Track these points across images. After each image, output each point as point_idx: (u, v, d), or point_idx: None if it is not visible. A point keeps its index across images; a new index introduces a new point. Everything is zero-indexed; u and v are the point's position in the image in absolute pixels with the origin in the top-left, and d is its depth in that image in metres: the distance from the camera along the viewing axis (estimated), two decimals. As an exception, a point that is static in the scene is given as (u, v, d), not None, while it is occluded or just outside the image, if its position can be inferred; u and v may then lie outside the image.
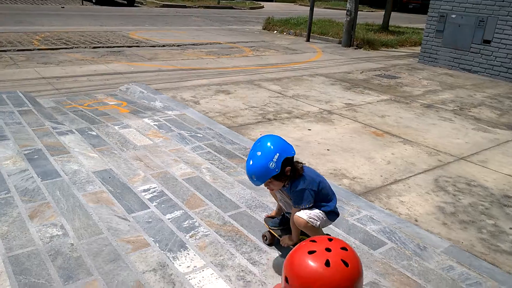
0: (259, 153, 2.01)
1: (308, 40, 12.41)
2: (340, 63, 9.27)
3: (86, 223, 2.49)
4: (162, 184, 3.04)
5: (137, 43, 9.91)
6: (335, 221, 2.28)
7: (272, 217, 2.49)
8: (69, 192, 2.82)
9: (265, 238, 2.46)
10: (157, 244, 2.35)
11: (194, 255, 2.28)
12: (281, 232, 2.38)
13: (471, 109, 6.08)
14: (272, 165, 1.99)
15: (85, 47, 8.79)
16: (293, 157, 2.08)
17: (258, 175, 2.03)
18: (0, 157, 3.26)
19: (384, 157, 4.10)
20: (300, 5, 30.87)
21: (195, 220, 2.61)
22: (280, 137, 2.09)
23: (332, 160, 3.97)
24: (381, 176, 3.68)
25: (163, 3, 21.22)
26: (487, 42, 8.46)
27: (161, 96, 5.38)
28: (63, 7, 16.69)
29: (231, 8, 23.23)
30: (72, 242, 2.31)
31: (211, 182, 3.12)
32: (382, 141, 4.56)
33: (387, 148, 4.36)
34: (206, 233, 2.48)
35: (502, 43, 8.23)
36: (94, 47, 8.84)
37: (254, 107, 5.56)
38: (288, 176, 2.08)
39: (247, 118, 5.09)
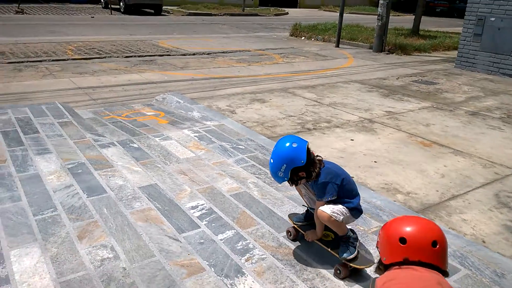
0: (271, 161, 2.16)
1: (337, 46, 12.19)
2: (374, 69, 9.02)
3: (136, 244, 2.38)
4: (209, 201, 2.91)
5: (167, 51, 9.92)
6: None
7: (296, 214, 2.59)
8: (117, 209, 2.73)
9: (289, 233, 2.53)
10: (212, 268, 2.21)
11: (253, 281, 2.13)
12: (306, 228, 2.44)
13: (520, 116, 5.75)
14: (280, 174, 2.14)
15: (118, 57, 8.85)
16: (302, 165, 2.11)
17: (273, 178, 2.21)
18: (44, 171, 3.20)
19: (436, 169, 3.87)
20: (324, 10, 30.61)
21: (248, 241, 2.46)
22: (294, 142, 2.14)
23: (381, 173, 3.76)
24: (437, 191, 3.45)
25: (189, 11, 21.38)
26: (530, 45, 8.06)
27: (198, 106, 5.29)
28: (93, 17, 17.00)
29: (256, 15, 23.20)
30: (124, 266, 2.19)
31: (260, 199, 2.97)
32: (431, 151, 4.32)
33: (438, 159, 4.12)
34: (262, 257, 2.33)
35: (547, 46, 7.82)
36: (126, 57, 8.89)
37: (291, 116, 5.40)
38: (307, 174, 2.15)
39: (286, 127, 4.93)
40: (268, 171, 3.38)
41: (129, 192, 2.97)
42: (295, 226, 2.48)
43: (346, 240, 2.22)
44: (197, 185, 3.13)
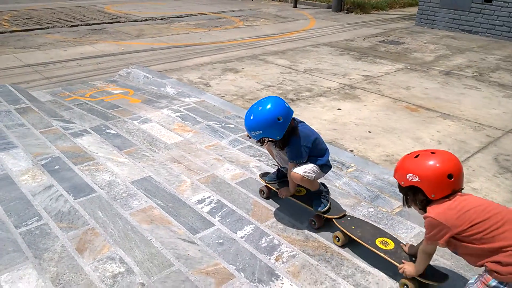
0: (251, 117, 2.17)
1: (295, 6, 11.83)
2: (338, 30, 8.83)
3: (148, 252, 2.08)
4: (215, 192, 2.63)
5: (116, 18, 9.10)
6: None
7: (267, 173, 2.65)
8: (113, 211, 2.38)
9: (262, 192, 2.61)
10: (242, 273, 1.97)
11: (290, 284, 1.92)
12: (278, 186, 2.54)
13: (490, 74, 5.84)
14: (253, 134, 2.21)
15: (62, 26, 7.97)
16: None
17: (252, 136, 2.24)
18: (14, 171, 2.74)
19: (431, 136, 3.80)
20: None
21: (272, 236, 2.24)
22: (280, 117, 2.15)
23: (379, 144, 3.64)
24: (439, 159, 3.38)
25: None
26: (488, 1, 8.18)
27: (169, 81, 4.85)
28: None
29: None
30: (141, 281, 1.90)
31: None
32: (420, 117, 4.25)
33: (429, 125, 4.06)
34: (291, 254, 2.12)
35: (504, 1, 7.97)
36: (72, 26, 8.03)
37: (270, 86, 5.12)
38: (282, 144, 2.26)
39: (268, 99, 4.65)
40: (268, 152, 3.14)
41: (121, 189, 2.61)
42: (268, 185, 2.58)
43: (319, 194, 2.36)
44: (196, 174, 2.83)
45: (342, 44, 7.51)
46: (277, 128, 2.16)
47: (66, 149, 3.07)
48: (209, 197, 2.57)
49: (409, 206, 1.79)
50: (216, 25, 8.94)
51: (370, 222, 2.33)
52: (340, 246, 2.19)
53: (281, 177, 2.53)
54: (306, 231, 2.30)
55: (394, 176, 1.79)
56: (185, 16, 9.74)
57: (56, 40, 6.92)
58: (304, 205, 2.39)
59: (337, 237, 2.21)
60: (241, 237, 2.22)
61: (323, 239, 2.24)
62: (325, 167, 2.36)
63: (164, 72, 5.35)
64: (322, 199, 2.34)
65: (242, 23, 9.25)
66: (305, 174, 2.24)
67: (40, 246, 2.07)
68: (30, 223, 2.24)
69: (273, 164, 2.49)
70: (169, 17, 9.52)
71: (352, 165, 3.05)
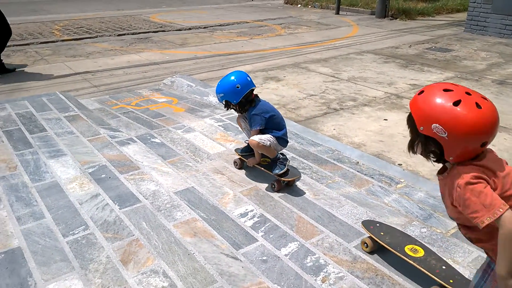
0: (218, 84, 2.79)
1: (337, 13, 11.66)
2: (382, 37, 8.60)
3: (192, 266, 2.05)
4: (258, 205, 2.57)
5: (161, 27, 9.33)
6: None
7: (240, 147, 3.12)
8: (157, 222, 2.38)
9: (236, 164, 3.04)
10: (287, 293, 1.90)
11: (339, 308, 1.83)
12: (248, 157, 2.95)
13: (550, 83, 5.46)
14: (218, 97, 2.80)
15: (110, 35, 8.25)
16: (238, 102, 2.74)
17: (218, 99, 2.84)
18: (63, 179, 2.81)
19: (486, 150, 3.57)
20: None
21: (317, 255, 2.15)
22: (238, 84, 2.70)
23: (429, 158, 3.45)
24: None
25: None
26: (546, 5, 7.70)
27: (212, 89, 4.86)
28: (74, -8, 15.99)
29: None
30: (184, 297, 1.87)
31: (313, 199, 2.64)
32: (473, 129, 4.01)
33: (484, 138, 3.82)
34: (339, 275, 2.02)
35: None
36: (119, 35, 8.30)
37: (312, 95, 5.03)
38: (239, 108, 2.80)
39: (311, 109, 4.57)
40: (312, 165, 3.06)
41: (165, 199, 2.61)
42: (241, 157, 3.01)
43: (277, 161, 2.75)
44: (239, 186, 2.78)
45: (387, 52, 7.29)
46: (235, 93, 2.70)
47: (113, 157, 3.13)
48: (252, 210, 2.52)
49: (414, 152, 1.44)
50: (258, 33, 8.96)
51: (399, 229, 2.24)
52: (368, 253, 2.15)
53: (251, 149, 2.88)
54: (354, 250, 2.19)
55: (411, 109, 1.39)
56: (227, 25, 9.83)
57: (104, 49, 7.16)
58: (267, 171, 2.81)
59: (366, 243, 2.18)
60: (285, 255, 2.14)
61: (373, 260, 2.12)
62: (281, 140, 2.81)
63: (207, 81, 5.39)
64: (279, 164, 2.73)
65: (283, 31, 9.22)
66: (260, 140, 2.69)
67: (86, 256, 2.09)
68: (77, 232, 2.27)
69: (245, 141, 2.97)
70: (212, 26, 9.64)
71: (402, 180, 2.91)
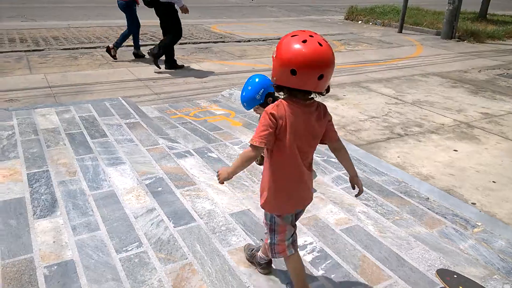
0: (249, 88, 2.82)
1: (400, 31, 11.26)
2: (449, 59, 8.15)
3: (246, 301, 1.90)
4: (318, 237, 2.39)
5: (221, 38, 9.41)
6: None
7: None
8: (212, 246, 2.26)
9: (256, 160, 2.80)
10: None
11: None
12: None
13: None
14: (258, 97, 2.78)
15: (172, 43, 8.40)
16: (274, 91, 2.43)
17: (248, 104, 2.88)
18: (120, 189, 2.78)
19: None
20: (374, -10, 29.08)
21: (385, 303, 1.93)
22: (262, 76, 2.83)
23: (507, 198, 3.12)
24: None
25: (234, -8, 20.69)
26: None
27: (270, 105, 4.75)
28: (140, -1, 16.67)
29: (303, -5, 22.20)
30: (238, 336, 1.72)
31: (379, 237, 2.42)
32: (557, 170, 3.61)
33: None
34: (410, 330, 1.79)
35: None
36: (181, 43, 8.42)
37: (374, 117, 4.78)
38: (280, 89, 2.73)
39: (372, 132, 4.33)
40: (377, 196, 2.84)
41: (220, 221, 2.50)
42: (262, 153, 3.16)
43: None
44: (297, 213, 2.62)
45: (454, 75, 6.88)
46: (268, 80, 2.74)
47: (170, 170, 3.08)
48: (311, 243, 2.34)
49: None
50: (316, 48, 8.78)
51: (479, 282, 1.97)
52: None
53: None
54: (425, 303, 1.96)
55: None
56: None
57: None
58: None
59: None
60: (349, 299, 1.95)
61: (448, 317, 1.88)
62: None
63: (264, 95, 5.29)
64: None
65: (343, 47, 9.00)
66: None
67: (138, 278, 2.01)
68: (130, 248, 2.21)
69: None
70: (271, 39, 9.60)
71: (479, 224, 2.62)
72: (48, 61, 6.56)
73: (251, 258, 2.10)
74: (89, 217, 2.46)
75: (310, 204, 2.71)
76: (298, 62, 1.47)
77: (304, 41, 1.48)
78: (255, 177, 3.07)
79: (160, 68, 6.18)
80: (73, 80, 5.62)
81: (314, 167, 3.26)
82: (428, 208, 2.77)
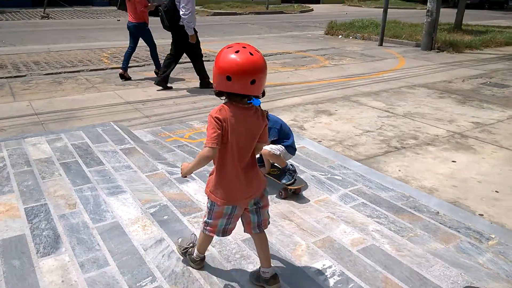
0: None
1: (381, 45, 11.49)
2: (432, 70, 8.32)
3: (273, 334, 1.82)
4: (336, 260, 2.33)
5: (205, 56, 9.34)
6: None
7: None
8: (229, 277, 2.18)
9: None
10: None
11: None
12: (260, 167, 2.76)
13: None
14: None
15: (157, 64, 8.33)
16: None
17: None
18: (124, 219, 2.67)
19: None
20: (349, 5, 29.80)
21: (415, 326, 1.88)
22: None
23: (513, 209, 3.13)
24: None
25: (213, 11, 20.85)
26: None
27: (265, 123, 4.71)
28: (119, 20, 16.59)
29: (281, 12, 22.58)
30: None
31: (397, 256, 2.38)
32: (555, 176, 3.66)
33: None
34: None
35: None
36: (166, 64, 8.36)
37: (369, 131, 4.79)
38: None
39: (370, 147, 4.33)
40: (387, 213, 2.81)
41: (233, 248, 2.41)
42: None
43: (286, 171, 3.02)
44: (310, 236, 2.56)
45: (440, 86, 7.01)
46: None
47: (173, 196, 2.98)
48: (330, 266, 2.28)
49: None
50: (302, 64, 8.87)
51: None
52: None
53: (260, 160, 3.12)
54: (456, 324, 1.91)
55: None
56: (270, 55, 9.80)
57: (152, 77, 7.20)
58: (275, 180, 3.06)
59: None
60: (378, 325, 1.89)
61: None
62: (290, 148, 3.08)
63: (257, 113, 5.26)
64: (287, 175, 3.00)
65: (328, 62, 9.10)
66: (272, 149, 2.97)
67: (157, 315, 1.90)
68: (144, 284, 2.10)
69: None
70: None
71: (492, 236, 2.61)
72: (32, 87, 6.39)
73: (184, 254, 2.27)
74: (96, 252, 2.34)
75: (322, 226, 2.69)
76: (232, 70, 1.72)
77: (237, 52, 1.73)
78: (262, 199, 3.00)
79: (212, 87, 6.13)
80: (60, 106, 5.47)
81: (316, 185, 3.23)
82: (440, 223, 2.74)
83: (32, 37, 11.49)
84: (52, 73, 7.31)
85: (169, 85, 6.51)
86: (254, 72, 1.73)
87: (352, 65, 8.78)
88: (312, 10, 24.66)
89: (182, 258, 2.30)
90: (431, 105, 5.84)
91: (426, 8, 10.46)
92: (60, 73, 7.38)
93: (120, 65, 7.03)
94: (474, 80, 7.44)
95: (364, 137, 4.61)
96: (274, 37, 13.20)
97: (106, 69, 7.82)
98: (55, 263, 2.23)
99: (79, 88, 6.45)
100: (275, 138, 2.99)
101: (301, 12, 23.37)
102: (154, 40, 7.11)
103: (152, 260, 2.29)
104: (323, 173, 3.44)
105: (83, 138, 4.02)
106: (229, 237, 2.50)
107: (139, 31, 6.87)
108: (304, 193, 3.12)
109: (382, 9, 11.38)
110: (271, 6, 23.77)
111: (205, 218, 2.06)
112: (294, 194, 3.03)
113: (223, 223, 2.04)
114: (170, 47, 6.46)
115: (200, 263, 2.22)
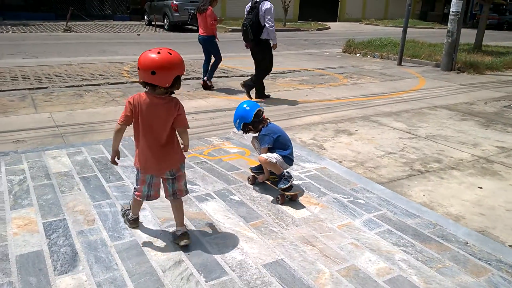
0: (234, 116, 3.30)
1: (399, 64, 11.40)
2: (453, 91, 8.19)
3: None
4: (362, 290, 2.23)
5: (224, 72, 9.44)
6: None
7: (254, 165, 3.62)
8: (250, 304, 2.09)
9: (249, 180, 3.52)
10: None
11: None
12: (260, 174, 3.42)
13: None
14: (236, 125, 3.30)
15: (176, 79, 8.39)
16: (251, 120, 3.21)
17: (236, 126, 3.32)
18: (143, 238, 2.62)
19: None
20: (366, 24, 29.85)
21: None
22: (247, 106, 3.24)
23: (546, 240, 2.98)
24: None
25: (231, 27, 21.08)
26: None
27: (285, 142, 4.65)
28: (139, 35, 16.89)
29: (299, 30, 22.71)
30: None
31: (426, 288, 2.27)
32: None
33: None
34: None
35: None
36: (185, 79, 8.42)
37: (390, 153, 4.69)
38: (254, 128, 3.26)
39: (392, 169, 4.22)
40: (414, 242, 2.70)
41: (254, 274, 2.33)
42: (254, 173, 3.49)
43: (282, 177, 3.18)
44: (334, 263, 2.46)
45: (462, 108, 6.87)
46: (247, 113, 3.20)
47: (193, 215, 2.93)
48: (356, 297, 2.18)
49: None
50: (320, 82, 8.83)
51: None
52: None
53: (261, 168, 3.37)
54: None
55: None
56: (288, 72, 9.81)
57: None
58: (273, 186, 3.27)
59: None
60: None
61: None
62: (287, 159, 3.26)
63: (275, 131, 5.21)
64: (283, 180, 3.16)
65: (346, 81, 9.04)
66: (268, 157, 3.16)
67: None
68: (163, 308, 2.03)
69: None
70: (273, 73, 9.59)
71: (526, 270, 2.47)
72: (53, 99, 6.48)
73: (124, 216, 2.78)
74: (114, 271, 2.29)
75: (346, 253, 2.59)
76: (156, 66, 2.18)
77: (159, 53, 2.22)
78: (283, 222, 2.92)
79: (251, 98, 6.83)
80: (80, 118, 5.51)
81: (339, 208, 3.14)
82: (470, 254, 2.62)
83: (55, 50, 11.73)
84: (73, 86, 7.41)
85: (266, 93, 7.13)
86: (175, 67, 2.24)
87: (371, 84, 8.70)
88: (329, 28, 24.75)
89: (201, 282, 2.23)
90: (454, 128, 5.71)
91: (443, 28, 10.40)
92: (81, 85, 7.47)
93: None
94: (497, 103, 7.29)
95: (386, 159, 4.50)
96: (291, 54, 13.23)
97: (126, 83, 7.89)
98: (72, 282, 2.18)
99: (99, 101, 6.51)
100: (270, 146, 3.22)
101: (318, 29, 23.47)
102: (221, 53, 7.66)
103: (171, 282, 2.22)
104: (346, 196, 3.35)
105: (103, 152, 4.02)
106: (249, 261, 2.44)
107: (207, 43, 7.46)
108: (326, 216, 3.03)
109: (399, 28, 11.32)
110: (288, 23, 23.96)
111: (134, 185, 2.57)
112: (291, 200, 3.20)
113: (146, 189, 2.52)
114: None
115: (134, 223, 2.71)
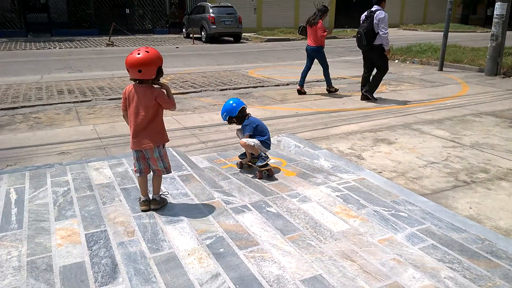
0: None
1: (441, 70, 11.02)
2: (499, 97, 7.81)
3: None
4: (405, 309, 2.13)
5: (260, 82, 9.47)
6: None
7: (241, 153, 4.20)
8: (288, 321, 2.04)
9: (238, 165, 4.14)
10: None
11: None
12: (243, 158, 4.09)
13: None
14: (223, 117, 3.94)
15: (213, 90, 8.52)
16: (236, 115, 3.88)
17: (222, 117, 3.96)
18: (181, 250, 2.64)
19: None
20: (404, 29, 29.20)
21: None
22: (234, 103, 3.88)
23: None
24: None
25: (267, 37, 21.22)
26: None
27: (321, 152, 4.58)
28: (178, 47, 17.31)
29: (334, 37, 22.50)
30: None
31: (475, 308, 2.13)
32: None
33: None
34: None
35: None
36: (222, 90, 8.53)
37: (433, 162, 4.50)
38: (237, 121, 3.93)
39: (435, 180, 4.05)
40: (461, 258, 2.56)
41: (292, 289, 2.28)
42: (240, 159, 4.13)
43: (260, 157, 3.81)
44: (375, 280, 2.37)
45: (509, 114, 6.53)
46: (233, 108, 3.83)
47: (229, 227, 2.92)
48: (399, 316, 2.08)
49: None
50: (357, 89, 8.66)
51: None
52: None
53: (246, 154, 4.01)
54: None
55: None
56: (323, 80, 9.69)
57: (208, 104, 7.34)
58: (253, 165, 3.91)
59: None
60: None
61: None
62: (265, 143, 3.89)
63: (311, 141, 5.15)
64: (260, 159, 3.80)
65: (384, 88, 8.83)
66: (247, 141, 3.81)
67: None
68: (200, 322, 2.02)
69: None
70: (309, 81, 9.55)
71: None
72: (96, 112, 6.72)
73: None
74: (153, 284, 2.31)
75: (388, 269, 2.49)
76: (140, 64, 2.75)
77: (139, 54, 2.75)
78: (321, 235, 2.86)
79: (376, 100, 7.48)
80: (122, 130, 5.68)
81: (379, 222, 3.02)
82: (523, 272, 2.45)
83: (98, 64, 12.23)
84: (115, 98, 7.66)
85: (375, 96, 7.55)
86: (159, 62, 2.85)
87: (411, 91, 8.46)
88: (366, 34, 24.32)
89: (238, 296, 2.21)
90: (501, 136, 5.42)
91: (486, 31, 9.97)
92: (117, 98, 7.71)
93: (179, 91, 7.23)
94: (549, 109, 6.87)
95: (428, 169, 4.33)
96: (328, 62, 13.08)
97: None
98: (113, 294, 2.22)
99: (139, 113, 6.68)
100: (250, 133, 3.84)
101: (354, 37, 23.13)
102: (327, 61, 8.22)
103: (208, 296, 2.21)
104: (387, 209, 3.24)
105: (142, 164, 4.10)
106: (287, 276, 2.39)
107: (315, 53, 8.06)
108: (366, 229, 2.93)
109: (439, 33, 10.97)
110: (324, 31, 23.76)
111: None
112: (269, 176, 3.84)
113: (138, 165, 3.07)
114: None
115: (142, 205, 3.13)
